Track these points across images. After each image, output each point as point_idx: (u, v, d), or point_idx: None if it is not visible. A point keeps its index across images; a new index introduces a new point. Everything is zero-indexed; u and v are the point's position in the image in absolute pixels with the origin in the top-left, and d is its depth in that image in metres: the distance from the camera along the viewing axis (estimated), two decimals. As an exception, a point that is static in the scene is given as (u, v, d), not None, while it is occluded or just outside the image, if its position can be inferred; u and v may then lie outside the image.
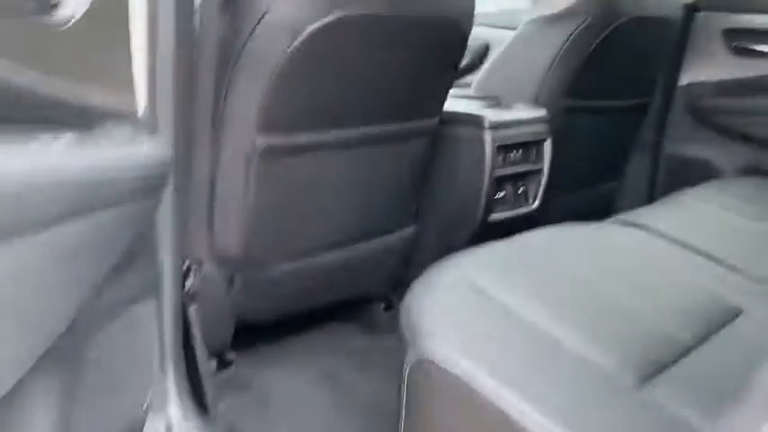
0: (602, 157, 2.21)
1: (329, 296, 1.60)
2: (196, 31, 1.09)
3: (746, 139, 2.19)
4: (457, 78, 1.56)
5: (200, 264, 1.27)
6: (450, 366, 0.82)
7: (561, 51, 1.81)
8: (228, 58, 1.15)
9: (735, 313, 1.11)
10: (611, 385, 0.85)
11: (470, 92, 1.96)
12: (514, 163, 1.70)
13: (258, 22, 1.12)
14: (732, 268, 1.26)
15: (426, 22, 1.30)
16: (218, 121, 1.19)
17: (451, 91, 1.54)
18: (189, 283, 1.28)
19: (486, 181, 1.63)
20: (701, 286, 1.17)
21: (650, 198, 2.42)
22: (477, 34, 3.09)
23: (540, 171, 1.79)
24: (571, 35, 1.79)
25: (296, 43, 1.13)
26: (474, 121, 1.63)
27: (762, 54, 2.16)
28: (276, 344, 1.63)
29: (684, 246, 1.31)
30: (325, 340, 1.69)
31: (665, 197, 1.72)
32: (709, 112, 2.25)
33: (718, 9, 2.21)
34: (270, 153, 1.23)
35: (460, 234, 1.71)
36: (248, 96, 1.17)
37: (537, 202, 1.80)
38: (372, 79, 1.30)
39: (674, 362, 0.92)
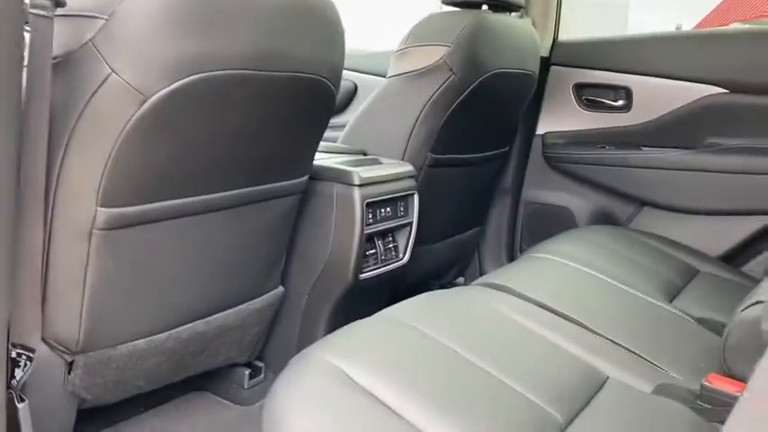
0: (468, 206, 2.24)
1: (186, 371, 1.46)
2: (23, 93, 0.95)
3: (598, 186, 2.31)
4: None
5: (31, 352, 1.11)
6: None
7: (426, 107, 1.81)
8: (64, 124, 1.02)
9: (601, 381, 1.13)
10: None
11: (337, 143, 1.91)
12: (384, 219, 1.67)
13: (101, 85, 0.99)
14: (594, 332, 1.29)
15: (291, 81, 1.23)
16: (50, 193, 1.04)
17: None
18: (18, 375, 1.11)
19: (357, 238, 1.58)
20: (568, 354, 1.18)
21: (511, 241, 2.50)
22: (346, 76, 3.09)
23: (409, 225, 1.77)
24: (436, 91, 1.80)
25: (143, 109, 1.02)
26: (343, 178, 1.58)
27: (609, 107, 2.31)
28: (124, 425, 1.47)
29: (548, 309, 1.32)
30: (181, 417, 1.55)
31: (527, 252, 1.75)
32: (563, 161, 2.36)
33: (569, 64, 2.33)
34: (112, 227, 1.10)
35: (331, 293, 1.64)
36: (87, 166, 1.03)
37: (407, 256, 1.77)
38: (234, 142, 1.21)
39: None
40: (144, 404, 1.55)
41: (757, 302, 1.16)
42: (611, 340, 1.28)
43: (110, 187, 1.06)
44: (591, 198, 2.35)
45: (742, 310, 1.20)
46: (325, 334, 1.66)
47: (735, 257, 2.11)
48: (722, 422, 1.06)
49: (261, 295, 1.53)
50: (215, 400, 1.65)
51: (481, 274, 2.50)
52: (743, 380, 1.11)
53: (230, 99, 1.14)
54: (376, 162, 1.73)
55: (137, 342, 1.26)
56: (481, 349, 1.10)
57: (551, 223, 2.39)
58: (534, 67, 2.10)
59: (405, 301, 1.24)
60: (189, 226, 1.25)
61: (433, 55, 1.80)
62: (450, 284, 2.48)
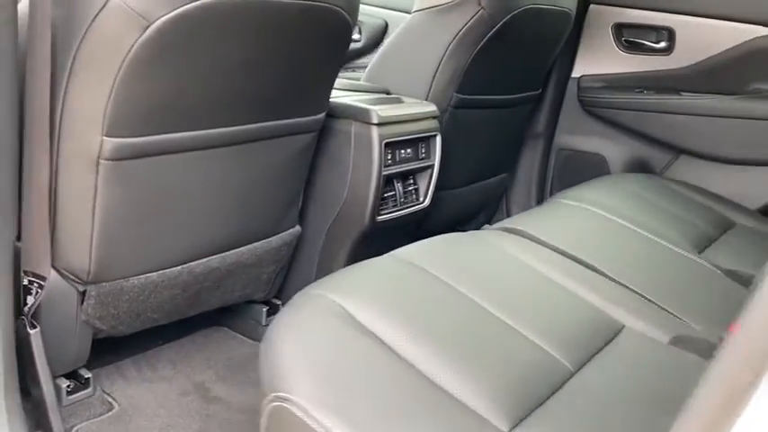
0: (495, 151, 2.18)
1: (202, 306, 1.47)
2: (24, 15, 0.93)
3: (634, 133, 2.22)
4: (350, 61, 1.45)
5: (42, 280, 1.12)
6: (306, 416, 0.74)
7: (453, 43, 1.74)
8: (67, 51, 1.00)
9: (616, 330, 1.09)
10: None
11: (360, 81, 1.86)
12: (404, 160, 1.63)
13: (101, 9, 0.96)
14: (613, 279, 1.24)
15: (303, 10, 1.18)
16: (55, 122, 1.03)
17: (342, 78, 1.43)
18: (30, 302, 1.13)
19: (375, 179, 1.54)
20: (583, 301, 1.14)
21: (542, 189, 2.43)
22: (376, 14, 3.00)
23: (430, 167, 1.72)
24: (463, 28, 1.72)
25: (146, 35, 0.99)
26: (361, 117, 1.54)
27: (649, 49, 2.19)
28: (141, 356, 1.50)
29: (567, 256, 1.28)
30: (198, 351, 1.57)
31: (551, 198, 1.70)
32: (599, 106, 2.26)
33: (608, 3, 2.21)
34: (119, 157, 1.09)
35: (348, 235, 1.62)
36: (91, 94, 1.01)
37: (428, 200, 1.73)
38: (241, 74, 1.18)
39: (549, 397, 0.88)
40: (162, 337, 1.57)
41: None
42: (630, 288, 1.23)
43: (115, 116, 1.04)
44: (626, 145, 2.26)
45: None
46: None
47: (775, 209, 2.01)
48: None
49: (277, 233, 1.52)
50: (232, 336, 1.66)
51: (509, 216, 2.45)
52: (766, 333, 1.06)
53: (236, 28, 1.10)
54: (398, 101, 1.68)
55: (149, 275, 1.27)
56: (492, 294, 1.07)
57: (584, 170, 2.31)
58: (571, 4, 1.99)
59: (417, 243, 1.21)
60: (198, 161, 1.23)
61: (461, -12, 1.72)
62: (478, 230, 2.44)
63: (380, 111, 1.54)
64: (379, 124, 1.53)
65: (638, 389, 0.95)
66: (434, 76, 1.78)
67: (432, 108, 1.70)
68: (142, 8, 0.97)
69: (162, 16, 0.98)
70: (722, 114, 2.06)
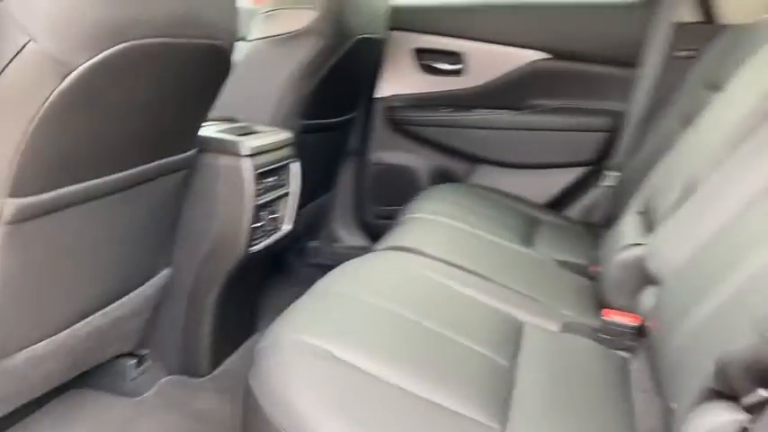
0: (323, 171, 2.26)
1: (81, 368, 1.32)
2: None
3: (437, 146, 2.47)
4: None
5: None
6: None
7: (296, 72, 1.78)
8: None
9: (520, 326, 1.26)
10: None
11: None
12: (269, 189, 1.63)
13: (16, 55, 0.84)
14: (498, 283, 1.41)
15: (197, 48, 1.14)
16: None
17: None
18: None
19: (248, 211, 1.53)
20: (486, 305, 1.29)
21: (360, 204, 2.56)
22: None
23: (289, 194, 1.75)
24: (306, 56, 1.77)
25: (66, 83, 0.89)
26: (230, 149, 1.51)
27: (445, 71, 2.45)
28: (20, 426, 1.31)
29: (457, 267, 1.42)
30: (75, 415, 1.40)
31: (406, 215, 1.83)
32: (405, 123, 2.47)
33: (408, 29, 2.42)
34: (22, 218, 0.95)
35: (220, 270, 1.57)
36: (-1, 152, 0.88)
37: (291, 225, 1.75)
38: (141, 116, 1.10)
39: (510, 392, 1.00)
40: (35, 403, 1.37)
41: (635, 245, 1.37)
42: (509, 288, 1.41)
43: (22, 174, 0.91)
44: (431, 157, 2.50)
45: (618, 253, 1.40)
46: (215, 314, 1.60)
47: (557, 204, 2.40)
48: (620, 348, 1.25)
49: (152, 278, 1.43)
50: (101, 394, 1.51)
51: (333, 237, 2.55)
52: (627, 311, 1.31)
53: (143, 71, 1.03)
54: (253, 130, 1.67)
55: (35, 346, 1.12)
56: (421, 309, 1.16)
57: (396, 183, 2.51)
58: (382, 31, 2.15)
59: (334, 273, 1.25)
60: (94, 211, 1.12)
61: (301, 19, 1.76)
62: (305, 249, 2.49)
63: (248, 142, 1.53)
64: (249, 155, 1.52)
65: (566, 373, 1.12)
66: (279, 103, 1.80)
67: (288, 135, 1.72)
68: (63, 55, 0.87)
69: (83, 63, 0.89)
70: (509, 127, 2.40)
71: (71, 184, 1.02)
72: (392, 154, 2.52)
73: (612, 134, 2.29)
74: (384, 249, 1.48)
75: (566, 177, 2.39)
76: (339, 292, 1.16)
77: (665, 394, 0.97)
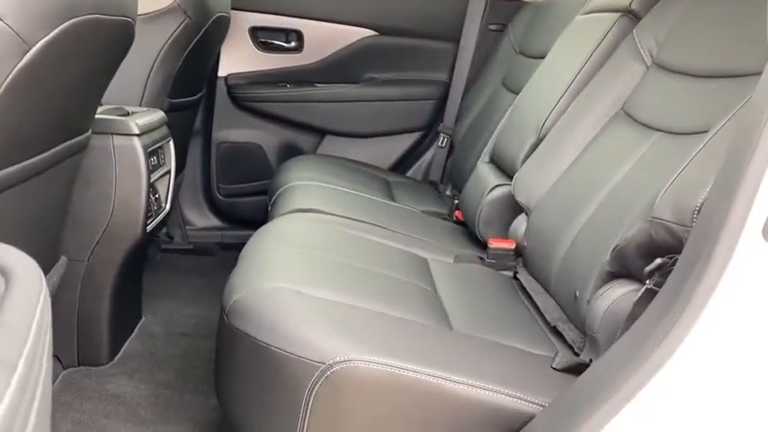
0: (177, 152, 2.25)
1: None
2: None
3: (283, 121, 2.57)
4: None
5: None
6: (376, 365, 0.90)
7: (163, 51, 1.79)
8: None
9: (425, 261, 1.46)
10: (441, 334, 1.08)
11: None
12: (154, 168, 1.64)
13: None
14: (394, 231, 1.60)
15: (120, 25, 1.16)
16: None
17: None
18: None
19: (144, 190, 1.53)
20: (397, 248, 1.48)
21: (207, 182, 2.58)
22: None
23: (168, 173, 1.76)
24: (171, 35, 1.79)
25: (26, 59, 0.88)
26: (121, 129, 1.50)
27: (283, 49, 2.55)
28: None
29: (359, 221, 1.58)
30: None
31: (283, 186, 1.93)
32: (248, 100, 2.54)
33: (244, 8, 2.48)
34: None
35: (118, 252, 1.56)
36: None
37: (169, 205, 1.77)
38: (71, 94, 1.10)
39: (442, 306, 1.20)
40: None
41: (499, 185, 1.64)
42: (407, 234, 1.61)
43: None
44: (278, 133, 2.60)
45: (487, 193, 1.66)
46: (112, 299, 1.59)
47: (399, 167, 2.64)
48: (505, 269, 1.50)
49: (49, 270, 1.38)
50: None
51: (183, 218, 2.53)
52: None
53: (83, 47, 1.04)
54: (127, 111, 1.66)
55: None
56: (346, 254, 1.32)
57: (244, 160, 2.57)
58: (227, 8, 2.20)
59: (259, 236, 1.35)
60: (13, 196, 1.09)
61: (163, -3, 1.77)
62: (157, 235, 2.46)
63: (137, 121, 1.53)
64: (139, 134, 1.52)
65: (475, 290, 1.35)
66: (146, 83, 1.79)
67: (162, 114, 1.73)
68: (25, 31, 0.87)
69: (41, 38, 0.90)
70: (349, 99, 2.59)
71: (7, 165, 1.00)
72: (238, 132, 2.57)
73: (440, 101, 2.59)
74: (288, 213, 1.59)
75: (404, 143, 2.64)
76: (274, 249, 1.27)
77: (562, 290, 1.23)
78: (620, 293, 1.04)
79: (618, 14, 1.54)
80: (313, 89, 2.57)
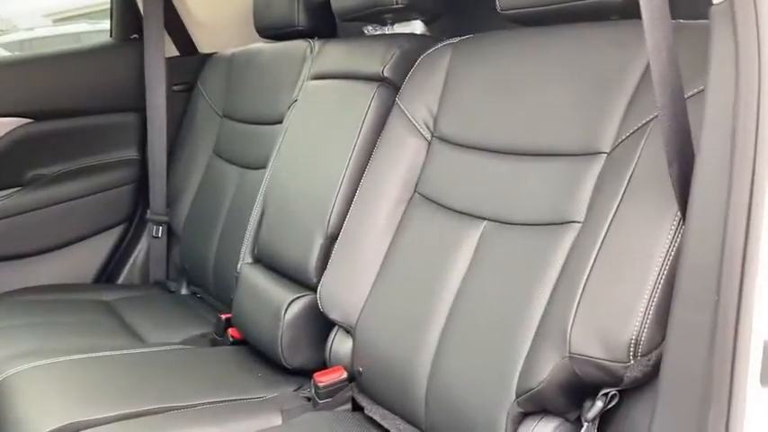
0: None
1: None
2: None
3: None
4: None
5: None
6: None
7: None
8: None
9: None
10: None
11: None
12: None
13: None
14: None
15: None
16: None
17: None
18: None
19: None
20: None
21: None
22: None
23: None
24: None
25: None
26: None
27: None
28: None
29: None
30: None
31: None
32: None
33: None
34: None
35: None
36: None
37: None
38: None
39: None
40: None
41: (299, 297, 1.35)
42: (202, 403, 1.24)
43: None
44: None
45: (284, 312, 1.35)
46: None
47: (104, 274, 2.11)
48: (341, 404, 1.26)
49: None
50: None
51: None
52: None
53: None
54: None
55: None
56: None
57: None
58: None
59: None
60: None
61: None
62: None
63: None
64: None
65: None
66: None
67: None
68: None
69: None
70: (13, 213, 1.95)
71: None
72: None
73: (139, 184, 2.13)
74: None
75: (105, 243, 2.11)
76: None
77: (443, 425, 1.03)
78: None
79: (375, 84, 1.36)
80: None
